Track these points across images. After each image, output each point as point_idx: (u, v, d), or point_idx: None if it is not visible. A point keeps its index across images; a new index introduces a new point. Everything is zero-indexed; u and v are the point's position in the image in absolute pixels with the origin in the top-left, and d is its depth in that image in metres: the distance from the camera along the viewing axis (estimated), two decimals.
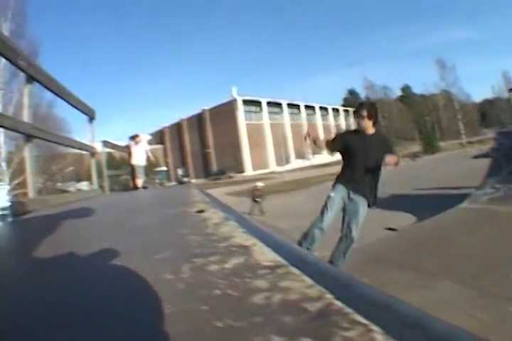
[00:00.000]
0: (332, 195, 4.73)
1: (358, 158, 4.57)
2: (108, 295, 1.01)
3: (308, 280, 0.91)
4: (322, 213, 4.76)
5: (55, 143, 6.26)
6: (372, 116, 4.59)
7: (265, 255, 1.17)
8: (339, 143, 4.87)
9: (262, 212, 17.64)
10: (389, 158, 4.28)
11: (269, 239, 1.40)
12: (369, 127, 4.62)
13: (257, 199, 17.75)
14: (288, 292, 0.86)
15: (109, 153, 15.57)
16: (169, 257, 1.31)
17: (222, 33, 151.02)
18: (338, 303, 0.76)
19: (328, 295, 0.80)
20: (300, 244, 4.81)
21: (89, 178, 10.71)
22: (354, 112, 4.82)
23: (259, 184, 19.60)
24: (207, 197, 3.56)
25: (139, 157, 10.78)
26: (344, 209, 4.78)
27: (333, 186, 4.83)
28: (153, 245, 1.58)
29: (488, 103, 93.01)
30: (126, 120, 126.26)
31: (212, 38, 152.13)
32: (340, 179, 4.83)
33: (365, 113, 4.55)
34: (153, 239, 1.74)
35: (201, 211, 2.38)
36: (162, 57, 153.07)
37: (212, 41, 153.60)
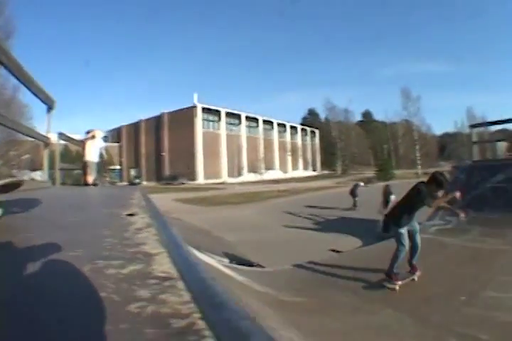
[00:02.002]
0: None
1: None
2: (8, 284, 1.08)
3: (187, 297, 0.96)
4: None
5: (11, 128, 6.08)
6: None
7: (162, 266, 1.23)
8: None
9: None
10: None
11: (177, 250, 1.46)
12: None
13: None
14: (162, 305, 0.91)
15: (66, 146, 15.20)
16: (79, 256, 1.39)
17: (198, 39, 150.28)
18: (202, 324, 0.80)
19: (196, 315, 0.85)
20: None
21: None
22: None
23: None
24: (145, 201, 3.57)
25: (93, 153, 10.59)
26: None
27: None
28: (71, 242, 1.63)
29: (448, 136, 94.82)
30: (90, 115, 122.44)
31: (187, 41, 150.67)
32: None
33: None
34: (75, 236, 1.81)
35: (131, 214, 2.44)
36: (133, 55, 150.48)
37: (186, 44, 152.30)
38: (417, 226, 6.52)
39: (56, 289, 1.04)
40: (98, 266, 1.23)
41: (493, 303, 5.02)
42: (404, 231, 6.20)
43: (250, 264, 8.67)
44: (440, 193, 6.55)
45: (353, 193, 22.19)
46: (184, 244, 1.61)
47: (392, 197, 12.06)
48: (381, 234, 10.98)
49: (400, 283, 6.11)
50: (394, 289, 6.04)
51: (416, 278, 6.32)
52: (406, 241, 6.19)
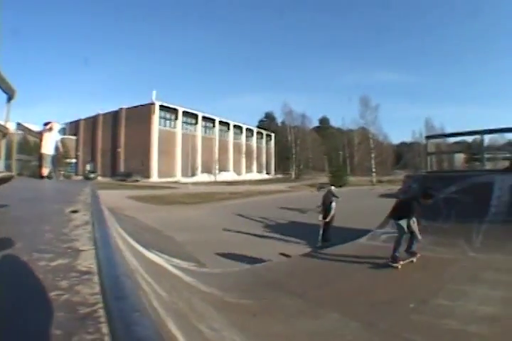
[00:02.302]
0: None
1: None
2: None
3: (97, 289, 1.09)
4: None
5: None
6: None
7: (86, 261, 1.34)
8: None
9: None
10: None
11: (103, 248, 1.53)
12: None
13: None
14: (75, 295, 1.05)
15: (24, 137, 14.75)
16: (19, 248, 1.49)
17: (161, 37, 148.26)
18: (101, 312, 0.95)
19: (99, 305, 0.99)
20: None
21: None
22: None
23: None
24: (92, 198, 3.56)
25: (49, 145, 10.35)
26: None
27: None
28: (14, 236, 1.69)
29: (405, 146, 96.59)
30: (50, 106, 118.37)
31: (151, 38, 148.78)
32: None
33: None
34: (16, 230, 1.89)
35: (75, 211, 2.43)
36: (98, 49, 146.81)
37: (150, 41, 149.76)
38: (415, 220, 7.73)
39: None
40: (33, 257, 1.34)
41: (442, 311, 5.07)
42: (403, 223, 7.71)
43: (198, 265, 8.66)
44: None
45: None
46: (112, 242, 1.70)
47: (333, 205, 11.95)
48: (320, 244, 11.18)
49: (401, 262, 7.39)
50: (397, 267, 7.26)
51: (414, 260, 7.59)
52: (404, 231, 7.65)
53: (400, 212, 8.01)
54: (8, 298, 0.99)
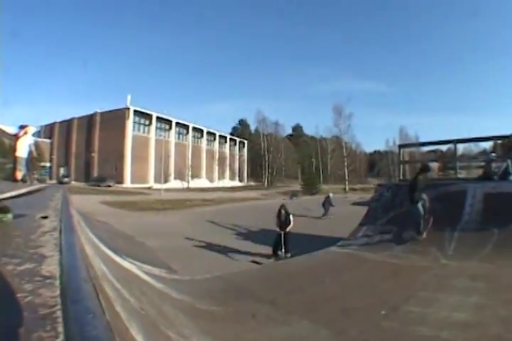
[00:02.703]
0: None
1: None
2: None
3: (57, 292, 1.17)
4: None
5: None
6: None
7: (50, 266, 1.42)
8: None
9: None
10: None
11: (67, 253, 1.61)
12: None
13: None
14: (37, 297, 1.13)
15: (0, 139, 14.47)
16: None
17: (137, 43, 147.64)
18: (59, 313, 1.02)
19: (58, 306, 1.07)
20: None
21: None
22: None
23: None
24: (63, 203, 3.57)
25: (23, 148, 10.24)
26: None
27: None
28: None
29: (378, 154, 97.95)
30: (26, 107, 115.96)
31: (128, 43, 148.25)
32: None
33: None
34: None
35: (45, 217, 2.46)
36: (76, 52, 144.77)
37: (127, 47, 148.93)
38: (426, 198, 9.41)
39: None
40: (1, 262, 1.43)
41: (414, 318, 5.02)
42: (419, 205, 9.19)
43: (169, 271, 8.64)
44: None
45: (324, 204, 24.34)
46: (78, 248, 1.77)
47: (291, 216, 12.14)
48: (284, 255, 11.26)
49: (425, 234, 8.98)
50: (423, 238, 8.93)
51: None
52: (420, 210, 9.16)
53: (412, 196, 9.34)
54: None
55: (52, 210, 2.96)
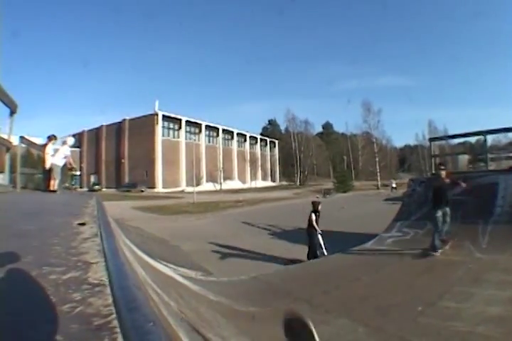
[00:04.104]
0: None
1: None
2: None
3: (109, 300, 1.12)
4: None
5: None
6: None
7: (97, 273, 1.37)
8: None
9: None
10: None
11: (113, 260, 1.56)
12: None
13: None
14: (89, 307, 1.08)
15: (28, 150, 14.76)
16: (29, 262, 1.51)
17: (162, 47, 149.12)
18: (115, 323, 0.97)
19: (113, 315, 1.02)
20: None
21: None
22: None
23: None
24: (98, 210, 3.59)
25: (57, 159, 10.31)
26: None
27: None
28: (23, 249, 1.71)
29: (409, 149, 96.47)
30: (51, 118, 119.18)
31: (153, 49, 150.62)
32: None
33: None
34: (26, 244, 1.90)
35: (83, 223, 2.47)
36: (101, 60, 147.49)
37: (151, 52, 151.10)
38: (448, 210, 8.49)
39: (6, 291, 1.16)
40: (43, 271, 1.36)
41: (450, 313, 5.00)
42: (439, 214, 8.38)
43: (205, 274, 8.67)
44: (443, 171, 8.91)
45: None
46: (121, 254, 1.73)
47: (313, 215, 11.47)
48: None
49: (440, 251, 8.11)
50: (437, 255, 8.02)
51: (447, 248, 8.32)
52: (440, 222, 8.35)
53: (435, 201, 8.66)
54: (22, 312, 1.01)
55: (88, 217, 2.97)
